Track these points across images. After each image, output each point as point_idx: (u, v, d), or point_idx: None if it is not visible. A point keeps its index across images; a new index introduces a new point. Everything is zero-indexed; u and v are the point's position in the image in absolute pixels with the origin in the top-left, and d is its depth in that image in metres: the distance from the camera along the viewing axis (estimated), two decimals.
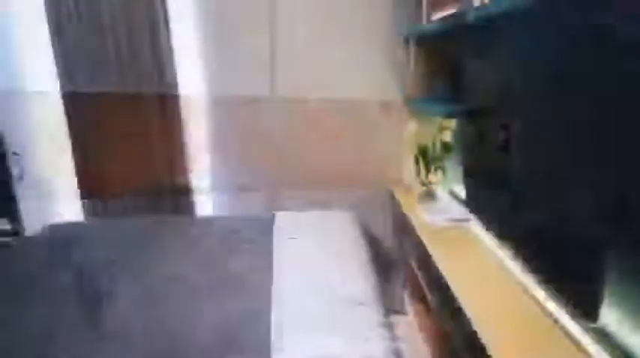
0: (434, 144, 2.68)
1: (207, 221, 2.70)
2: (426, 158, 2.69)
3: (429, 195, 2.66)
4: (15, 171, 2.94)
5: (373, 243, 2.58)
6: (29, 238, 2.63)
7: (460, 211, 2.34)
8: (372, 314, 1.61)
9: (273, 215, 2.57)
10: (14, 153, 2.93)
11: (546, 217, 1.45)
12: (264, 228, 2.36)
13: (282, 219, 2.50)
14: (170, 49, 2.84)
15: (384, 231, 2.98)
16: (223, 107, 3.02)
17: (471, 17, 1.78)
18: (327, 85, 2.97)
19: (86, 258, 2.13)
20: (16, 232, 2.87)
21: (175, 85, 2.90)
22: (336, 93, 2.98)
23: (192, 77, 2.96)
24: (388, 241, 2.97)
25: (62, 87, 2.83)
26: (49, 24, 2.75)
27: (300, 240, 2.20)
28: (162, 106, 2.91)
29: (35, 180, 3.05)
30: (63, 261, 2.11)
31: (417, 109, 2.89)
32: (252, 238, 2.26)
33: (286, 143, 3.07)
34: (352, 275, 1.87)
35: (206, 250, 2.16)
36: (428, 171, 2.69)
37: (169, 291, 1.79)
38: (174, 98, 2.90)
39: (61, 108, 2.88)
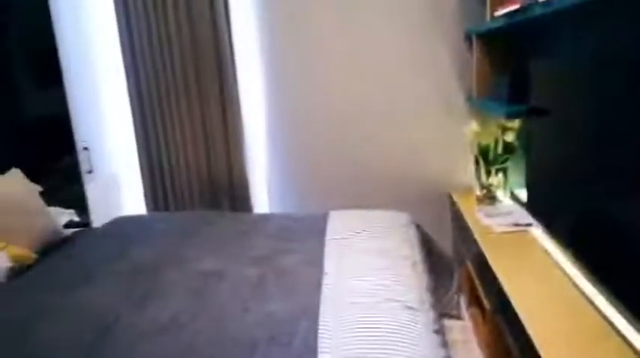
0: (495, 145, 2.57)
1: (262, 217, 2.73)
2: (486, 159, 2.59)
3: (489, 198, 2.56)
4: (85, 165, 3.09)
5: (429, 245, 2.51)
6: (96, 229, 2.76)
7: (521, 215, 2.23)
8: (422, 318, 1.56)
9: (327, 213, 2.56)
10: (84, 148, 3.09)
11: (624, 226, 1.35)
12: (317, 226, 2.35)
13: (336, 218, 2.48)
14: (232, 50, 2.91)
15: (441, 233, 2.90)
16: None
17: (535, 12, 1.69)
18: (389, 83, 2.92)
19: (146, 249, 2.21)
20: (84, 223, 3.02)
21: (236, 84, 2.96)
22: (398, 91, 2.93)
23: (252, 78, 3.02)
24: (445, 244, 2.89)
25: (130, 87, 2.96)
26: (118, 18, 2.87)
27: (353, 239, 2.17)
28: (223, 104, 2.97)
29: (103, 174, 3.20)
30: (124, 251, 2.20)
31: (478, 109, 2.79)
32: (304, 236, 2.26)
33: (346, 141, 3.05)
34: (405, 278, 1.83)
35: (258, 246, 2.18)
36: (488, 173, 2.59)
37: (219, 285, 1.81)
38: (236, 97, 2.96)
39: (128, 107, 3.01)
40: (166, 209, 3.12)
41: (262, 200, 3.20)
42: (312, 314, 1.56)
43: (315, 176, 3.12)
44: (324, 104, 3.01)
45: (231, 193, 3.10)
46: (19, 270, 2.14)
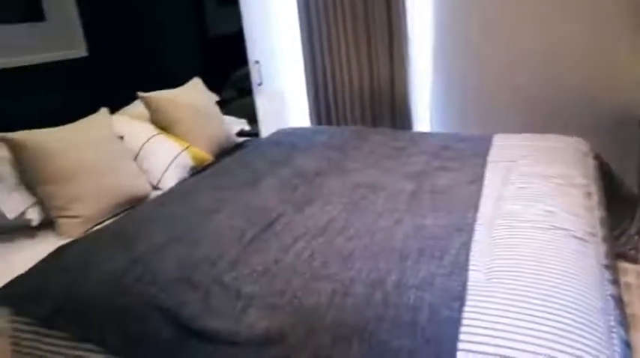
0: None
1: (422, 135, 2.66)
2: None
3: None
4: (255, 78, 3.28)
5: (609, 178, 2.23)
6: (264, 138, 2.96)
7: None
8: (592, 250, 1.41)
9: (492, 135, 2.39)
10: (256, 62, 3.25)
11: None
12: (480, 147, 2.22)
13: (502, 141, 2.31)
14: None
15: (626, 168, 2.54)
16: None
17: None
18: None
19: (308, 158, 2.31)
20: (254, 133, 3.25)
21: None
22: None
23: None
24: (629, 180, 2.54)
25: (299, 5, 3.02)
26: None
27: (520, 162, 2.01)
28: (389, 21, 2.89)
29: (272, 87, 3.37)
30: (288, 159, 2.33)
31: None
32: (465, 155, 2.15)
33: (518, 62, 2.79)
34: (575, 207, 1.65)
35: (416, 162, 2.13)
36: None
37: (374, 196, 1.83)
38: (402, 12, 2.85)
39: (297, 24, 3.08)
40: (328, 123, 3.21)
41: (424, 120, 3.12)
42: (466, 232, 1.50)
43: (481, 98, 2.93)
44: (498, 21, 2.74)
45: (393, 111, 3.06)
46: (198, 169, 2.40)
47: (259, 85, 3.28)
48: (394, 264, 1.36)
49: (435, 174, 2.00)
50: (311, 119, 3.27)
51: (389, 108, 3.06)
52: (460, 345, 1.06)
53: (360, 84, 3.07)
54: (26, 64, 2.37)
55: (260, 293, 1.29)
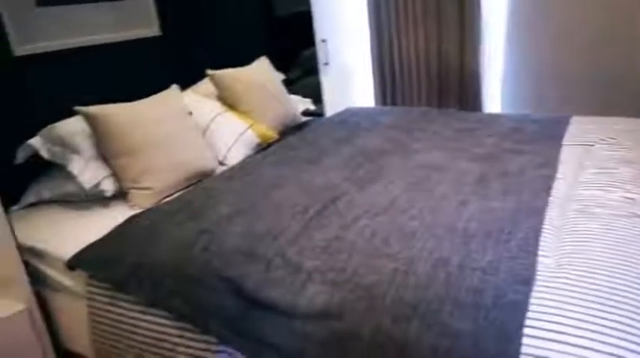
0: None
1: (492, 116, 2.55)
2: None
3: None
4: (322, 57, 3.27)
5: None
6: (328, 117, 2.95)
7: None
8: None
9: (569, 117, 2.26)
10: (323, 40, 3.24)
11: None
12: (554, 129, 2.11)
13: (580, 123, 2.18)
14: None
15: None
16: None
17: None
18: None
19: (372, 138, 2.29)
20: (318, 113, 3.25)
21: None
22: None
23: None
24: None
25: None
26: None
27: (598, 146, 1.90)
28: None
29: (337, 67, 3.35)
30: (352, 137, 2.32)
31: None
32: (537, 138, 2.05)
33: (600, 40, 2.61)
34: None
35: (484, 144, 2.06)
36: None
37: (439, 177, 1.78)
38: None
39: (364, 3, 3.03)
40: (393, 103, 3.16)
41: (494, 100, 3.00)
42: (536, 216, 1.44)
43: (558, 77, 2.77)
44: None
45: (461, 91, 2.97)
46: (263, 146, 2.44)
47: (325, 64, 3.27)
48: (458, 245, 1.33)
49: (505, 156, 1.92)
50: (376, 99, 3.23)
51: (457, 87, 2.97)
52: (526, 331, 1.02)
53: (427, 62, 2.99)
54: (107, 41, 2.49)
55: (321, 268, 1.30)
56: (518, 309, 1.06)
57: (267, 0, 3.56)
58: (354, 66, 3.36)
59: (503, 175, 1.75)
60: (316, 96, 3.26)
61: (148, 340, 1.44)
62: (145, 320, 1.44)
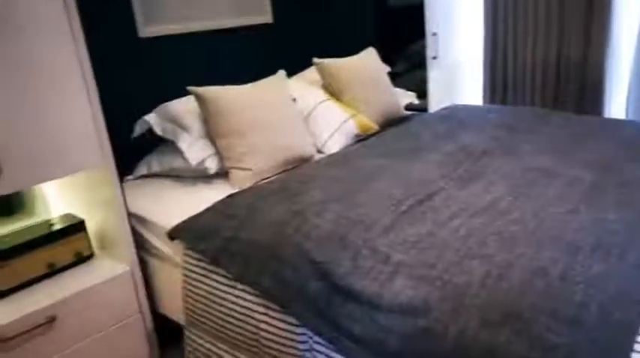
0: None
1: (613, 122, 2.33)
2: None
3: None
4: (431, 51, 3.18)
5: None
6: (431, 113, 2.87)
7: None
8: None
9: None
10: (433, 34, 3.15)
11: None
12: None
13: None
14: None
15: None
16: None
17: None
18: None
19: (475, 136, 2.19)
20: (422, 108, 3.18)
21: None
22: None
23: None
24: None
25: None
26: None
27: None
28: None
29: (447, 62, 3.25)
30: (454, 134, 2.24)
31: None
32: None
33: None
34: None
35: (601, 151, 1.89)
36: None
37: (547, 182, 1.66)
38: None
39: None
40: (503, 103, 3.00)
41: (618, 105, 2.74)
42: None
43: None
44: None
45: (581, 93, 2.74)
46: (363, 137, 2.43)
47: (434, 58, 3.18)
48: (561, 255, 1.23)
49: (625, 165, 1.75)
50: (484, 96, 3.08)
51: (577, 89, 2.74)
52: (634, 356, 0.92)
53: (544, 60, 2.79)
54: (222, 26, 2.62)
55: (409, 262, 1.27)
56: (627, 331, 0.96)
57: None
58: (464, 60, 3.23)
59: (621, 185, 1.60)
60: (421, 91, 3.18)
61: (234, 313, 1.49)
62: (234, 295, 1.49)
